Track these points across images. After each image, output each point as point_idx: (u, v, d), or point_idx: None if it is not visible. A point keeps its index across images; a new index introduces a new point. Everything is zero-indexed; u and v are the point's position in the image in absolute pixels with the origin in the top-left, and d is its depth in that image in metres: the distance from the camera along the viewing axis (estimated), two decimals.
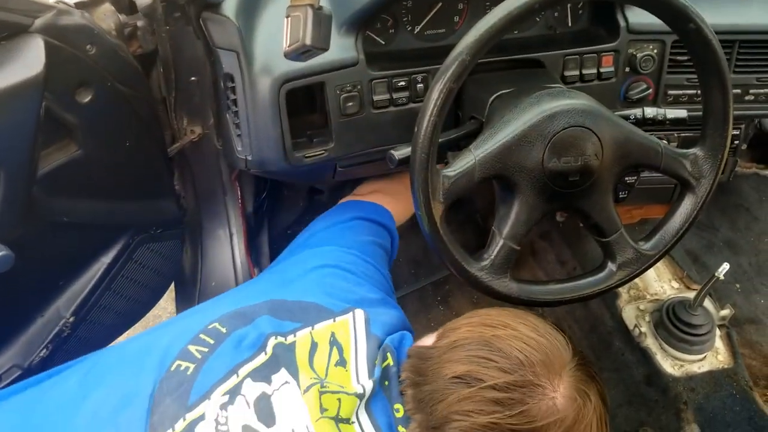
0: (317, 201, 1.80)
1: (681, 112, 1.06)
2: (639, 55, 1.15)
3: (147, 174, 1.18)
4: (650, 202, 1.49)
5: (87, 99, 0.99)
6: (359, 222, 1.16)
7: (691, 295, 1.45)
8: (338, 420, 0.78)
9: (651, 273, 1.70)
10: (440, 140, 0.91)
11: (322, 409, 0.77)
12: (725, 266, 1.27)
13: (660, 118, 1.05)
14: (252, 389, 0.77)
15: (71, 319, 1.09)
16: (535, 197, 0.91)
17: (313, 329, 0.87)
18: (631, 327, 1.56)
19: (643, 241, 1.00)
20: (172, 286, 1.52)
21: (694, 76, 1.21)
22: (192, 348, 0.82)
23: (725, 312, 1.58)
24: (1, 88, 0.86)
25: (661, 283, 1.70)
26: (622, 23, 1.14)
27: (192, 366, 0.79)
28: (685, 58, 1.19)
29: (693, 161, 0.97)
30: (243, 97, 1.04)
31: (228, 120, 1.12)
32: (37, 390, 0.85)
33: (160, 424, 0.73)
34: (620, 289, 1.66)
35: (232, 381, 0.78)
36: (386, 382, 0.83)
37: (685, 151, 0.98)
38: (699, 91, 1.20)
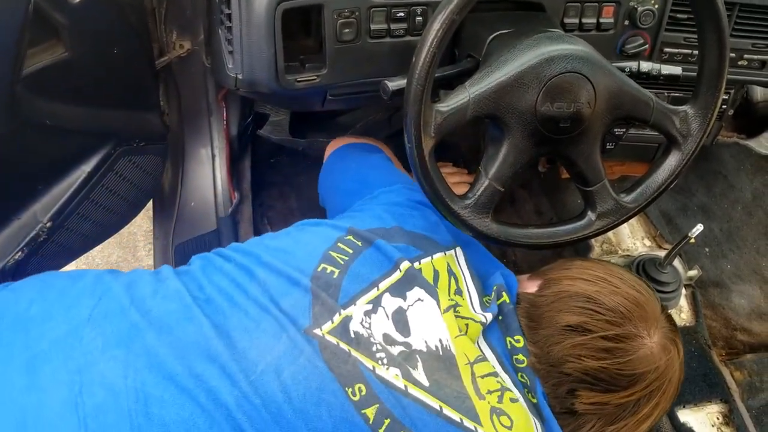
0: (301, 131, 1.78)
1: (676, 69, 1.06)
2: (640, 9, 1.14)
3: (133, 84, 1.15)
4: (632, 159, 1.51)
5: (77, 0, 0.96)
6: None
7: (662, 254, 1.48)
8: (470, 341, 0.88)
9: (625, 229, 1.72)
10: (435, 75, 0.90)
11: (459, 329, 0.87)
12: (699, 227, 1.29)
13: (654, 73, 1.05)
14: (390, 303, 0.86)
15: (48, 225, 1.08)
16: (525, 140, 0.92)
17: (432, 258, 0.96)
18: None
19: (625, 193, 1.01)
20: (150, 204, 1.51)
21: (692, 35, 1.21)
22: (333, 254, 0.90)
23: (693, 273, 1.62)
24: None
25: (634, 239, 1.73)
26: None
27: (337, 271, 0.87)
28: (686, 16, 1.19)
29: (683, 118, 0.98)
30: (238, 13, 1.01)
31: (220, 36, 1.09)
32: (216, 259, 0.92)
33: (320, 315, 0.82)
34: (593, 242, 1.69)
35: (373, 293, 0.87)
36: (500, 317, 0.95)
37: (676, 107, 0.98)
38: (695, 51, 1.21)
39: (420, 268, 0.92)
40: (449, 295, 0.91)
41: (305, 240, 0.95)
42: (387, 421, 0.76)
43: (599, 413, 0.90)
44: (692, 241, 1.33)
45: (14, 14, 0.86)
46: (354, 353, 0.80)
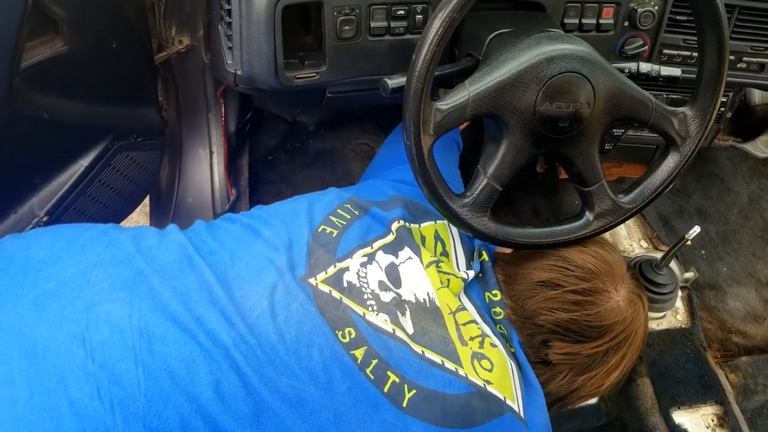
0: (299, 127, 1.78)
1: (675, 71, 1.06)
2: (639, 10, 1.14)
3: (131, 79, 1.15)
4: (630, 161, 1.51)
5: None
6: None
7: (659, 255, 1.48)
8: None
9: (622, 230, 1.73)
10: (435, 73, 0.90)
11: (441, 282, 0.94)
12: (696, 229, 1.29)
13: (654, 74, 1.05)
14: (383, 258, 0.93)
15: (45, 219, 1.08)
16: (524, 139, 0.91)
17: (421, 226, 1.03)
18: None
19: (623, 194, 1.01)
20: (147, 200, 1.50)
21: (692, 37, 1.21)
22: (333, 218, 0.97)
23: (689, 274, 1.62)
24: None
25: (630, 240, 1.74)
26: None
27: (335, 231, 0.94)
28: (685, 18, 1.19)
29: (681, 120, 0.98)
30: (238, 9, 1.01)
31: (219, 31, 1.09)
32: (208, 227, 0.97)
33: (315, 266, 0.88)
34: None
35: (368, 249, 0.94)
36: (480, 274, 1.02)
37: (674, 108, 0.98)
38: (694, 53, 1.22)
39: (410, 230, 0.99)
40: (433, 254, 0.99)
41: (308, 204, 1.01)
42: (374, 362, 0.81)
43: (571, 363, 0.96)
44: (689, 243, 1.34)
45: (13, 6, 0.86)
46: (345, 300, 0.86)
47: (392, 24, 1.07)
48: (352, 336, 0.82)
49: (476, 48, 1.01)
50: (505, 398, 0.86)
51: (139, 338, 0.76)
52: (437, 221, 1.06)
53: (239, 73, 1.05)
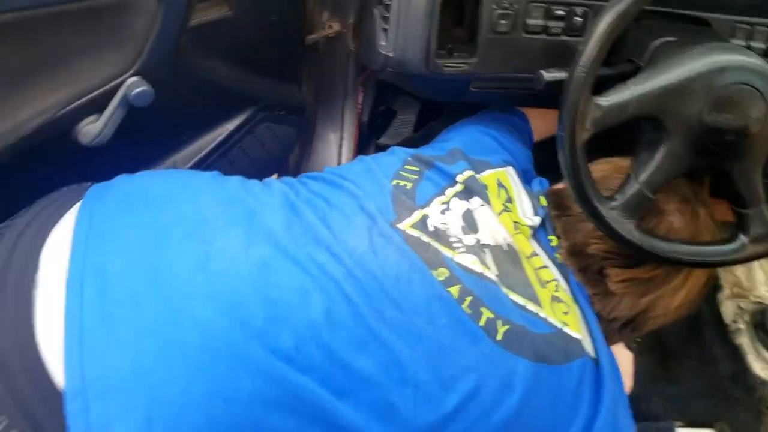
0: (427, 129, 1.78)
1: None
2: None
3: (284, 54, 1.19)
4: None
5: None
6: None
7: None
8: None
9: (760, 274, 1.61)
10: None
11: (514, 228, 0.95)
12: None
13: None
14: (458, 205, 0.95)
15: None
16: (684, 148, 0.87)
17: (482, 175, 1.03)
18: (728, 321, 1.50)
19: None
20: None
21: None
22: (403, 173, 0.99)
23: None
24: None
25: None
26: None
27: (409, 184, 0.97)
28: None
29: None
30: None
31: (375, 14, 1.11)
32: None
33: (401, 213, 0.91)
34: (723, 283, 1.59)
35: (443, 198, 0.96)
36: (543, 220, 1.02)
37: None
38: None
39: (476, 178, 1.00)
40: (501, 202, 1.00)
41: (376, 162, 1.03)
42: (468, 299, 0.83)
43: (631, 289, 0.95)
44: None
45: None
46: (434, 244, 0.88)
47: (549, 23, 1.05)
48: (446, 275, 0.85)
49: (639, 54, 0.97)
50: (580, 339, 0.87)
51: (257, 269, 0.79)
52: (497, 169, 1.07)
53: (391, 55, 1.06)
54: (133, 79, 0.93)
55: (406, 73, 1.09)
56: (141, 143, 1.07)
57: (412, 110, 1.67)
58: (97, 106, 0.93)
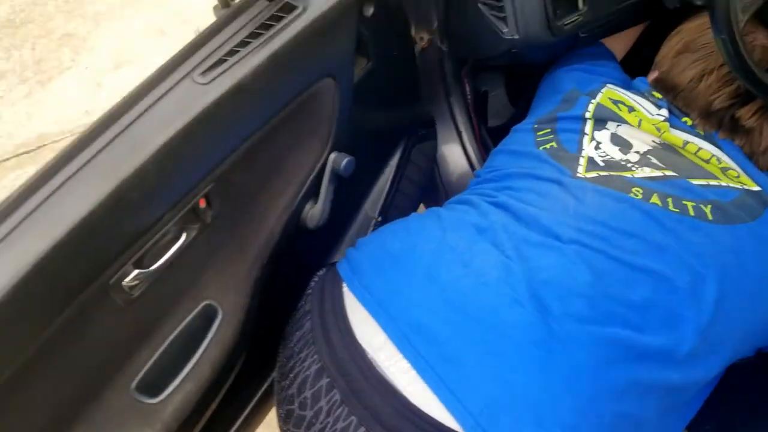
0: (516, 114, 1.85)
1: None
2: None
3: (409, 79, 1.27)
4: None
5: (371, 12, 1.08)
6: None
7: None
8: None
9: None
10: None
11: (657, 129, 1.06)
12: None
13: None
14: (602, 135, 1.06)
15: (379, 219, 1.22)
16: None
17: (598, 100, 1.12)
18: None
19: None
20: None
21: None
22: (540, 139, 1.08)
23: None
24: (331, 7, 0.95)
25: None
26: None
27: (554, 143, 1.06)
28: None
29: None
30: None
31: (482, 10, 1.19)
32: None
33: (571, 166, 1.00)
34: None
35: (588, 137, 1.06)
36: (669, 109, 1.11)
37: None
38: None
39: (598, 105, 1.10)
40: (629, 115, 1.09)
41: (516, 142, 1.13)
42: (669, 199, 0.92)
43: (764, 117, 1.04)
44: None
45: (349, 36, 0.99)
46: (613, 174, 0.97)
47: None
48: (641, 192, 0.93)
49: None
50: (760, 190, 0.97)
51: (520, 265, 0.87)
52: (602, 92, 1.14)
53: (517, 36, 1.15)
54: (333, 155, 1.02)
55: (532, 47, 1.17)
56: (344, 203, 1.16)
57: (499, 85, 1.75)
58: (312, 191, 1.03)
